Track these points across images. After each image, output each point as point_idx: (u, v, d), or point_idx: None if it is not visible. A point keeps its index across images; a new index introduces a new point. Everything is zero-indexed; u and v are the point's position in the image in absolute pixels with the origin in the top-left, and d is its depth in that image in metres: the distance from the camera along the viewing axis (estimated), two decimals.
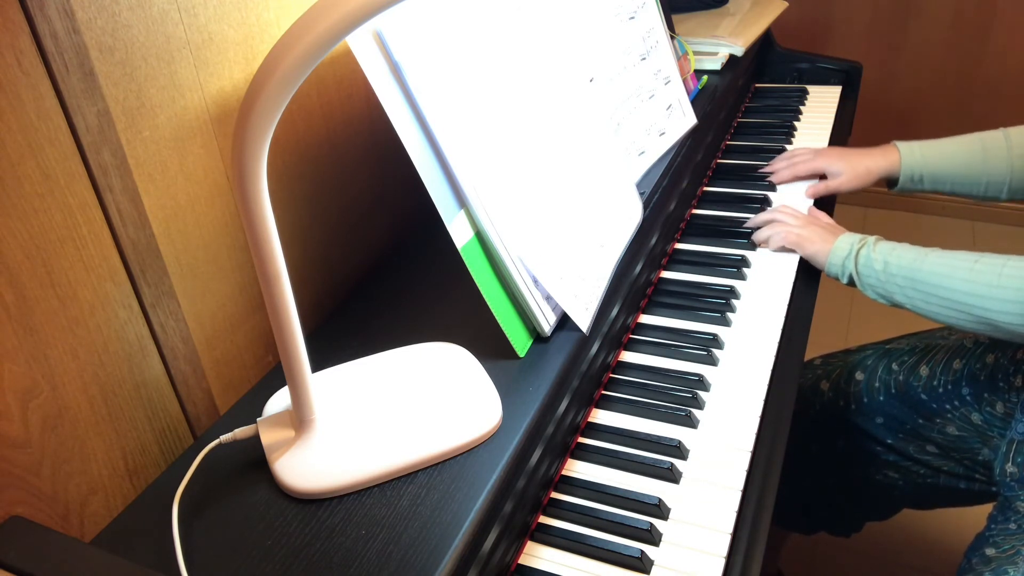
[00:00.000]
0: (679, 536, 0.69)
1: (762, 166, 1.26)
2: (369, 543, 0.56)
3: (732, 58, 1.36)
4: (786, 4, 1.60)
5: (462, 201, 0.68)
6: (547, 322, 0.74)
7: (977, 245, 2.38)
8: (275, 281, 0.54)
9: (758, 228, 1.08)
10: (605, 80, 0.97)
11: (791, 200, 1.17)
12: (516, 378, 0.70)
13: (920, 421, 1.05)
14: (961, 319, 0.86)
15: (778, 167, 1.23)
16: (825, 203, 1.19)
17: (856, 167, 1.16)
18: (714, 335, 0.91)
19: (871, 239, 0.95)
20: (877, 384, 1.08)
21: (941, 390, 1.03)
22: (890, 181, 1.16)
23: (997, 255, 0.85)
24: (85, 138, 0.54)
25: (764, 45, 1.58)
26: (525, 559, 0.68)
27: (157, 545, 0.57)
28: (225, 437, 0.62)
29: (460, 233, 0.68)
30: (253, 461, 0.63)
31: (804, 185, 1.21)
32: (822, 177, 1.20)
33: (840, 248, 0.97)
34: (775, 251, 1.06)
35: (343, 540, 0.56)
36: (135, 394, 0.62)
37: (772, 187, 1.21)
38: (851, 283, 0.96)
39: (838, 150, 1.20)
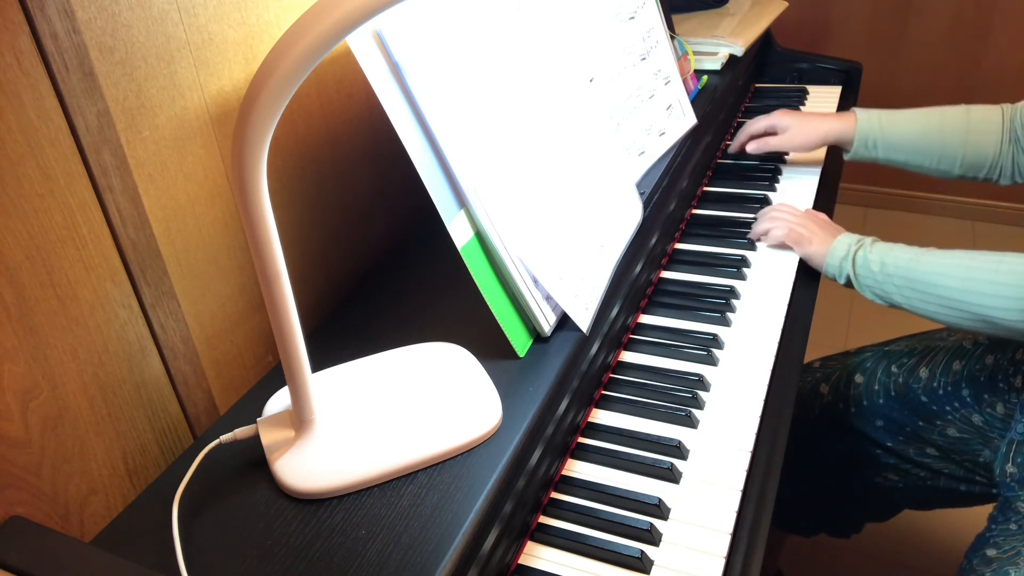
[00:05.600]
0: (679, 536, 0.69)
1: (762, 166, 1.27)
2: (369, 543, 0.56)
3: (732, 58, 1.36)
4: (786, 4, 1.60)
5: (462, 201, 0.68)
6: (547, 322, 0.74)
7: (977, 245, 2.38)
8: (275, 281, 0.54)
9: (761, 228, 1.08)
10: (605, 80, 0.97)
11: (793, 199, 1.17)
12: (516, 378, 0.70)
13: (920, 423, 1.05)
14: (959, 318, 0.86)
15: (740, 134, 1.27)
16: (825, 203, 1.19)
17: (804, 126, 1.17)
18: (714, 335, 0.91)
19: (868, 240, 0.95)
20: (876, 387, 1.08)
21: (941, 392, 1.03)
22: (845, 147, 1.16)
23: (992, 253, 0.85)
24: (85, 138, 0.54)
25: (764, 45, 1.58)
26: (525, 559, 0.68)
27: (157, 545, 0.57)
28: (225, 437, 0.62)
29: (460, 233, 0.68)
30: (253, 461, 0.63)
31: (804, 184, 1.21)
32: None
33: (838, 249, 0.97)
34: (773, 247, 1.06)
35: (343, 540, 0.56)
36: (135, 394, 0.62)
37: (772, 187, 1.21)
38: (848, 284, 0.96)
39: (792, 111, 1.21)
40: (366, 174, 0.86)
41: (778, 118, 1.20)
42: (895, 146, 1.11)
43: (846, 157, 1.17)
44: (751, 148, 1.23)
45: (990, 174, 1.07)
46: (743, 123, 1.43)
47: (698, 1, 1.55)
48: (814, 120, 1.17)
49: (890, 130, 1.11)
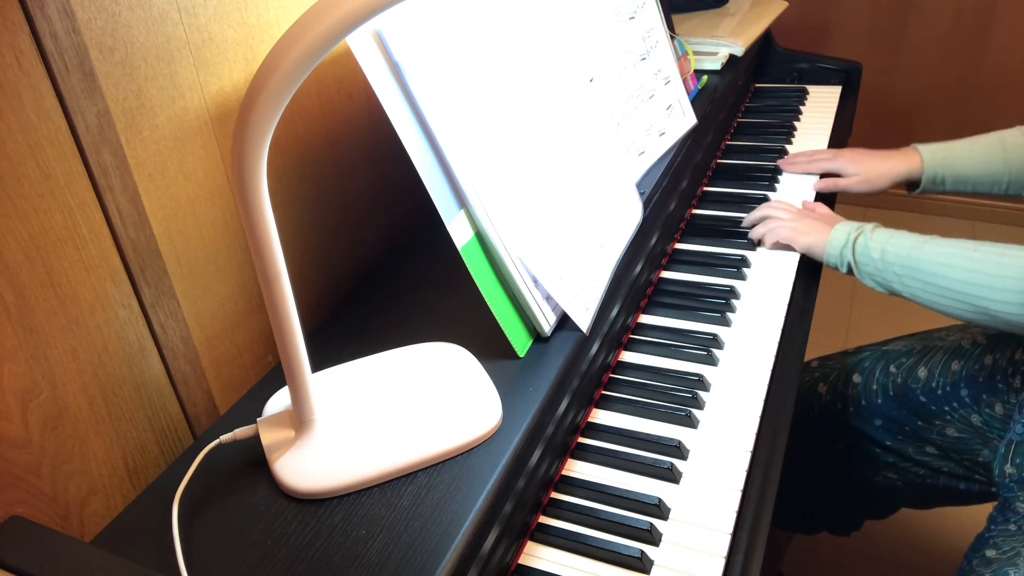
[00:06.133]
0: (679, 536, 0.69)
1: (762, 166, 1.26)
2: (369, 543, 0.56)
3: (732, 58, 1.36)
4: (786, 4, 1.60)
5: (462, 201, 0.68)
6: (547, 322, 0.74)
7: None
8: (275, 281, 0.54)
9: (753, 227, 1.08)
10: (605, 80, 0.97)
11: (792, 199, 1.17)
12: (516, 378, 0.70)
13: (919, 423, 1.05)
14: (958, 308, 0.86)
15: (797, 160, 1.24)
16: (825, 202, 1.19)
17: (871, 171, 1.16)
18: (714, 335, 0.91)
19: (868, 227, 0.95)
20: (875, 386, 1.08)
21: (940, 392, 1.03)
22: (910, 184, 1.16)
23: (995, 244, 0.84)
24: (85, 138, 0.54)
25: (764, 45, 1.58)
26: (525, 559, 0.68)
27: (157, 545, 0.57)
28: (225, 437, 0.62)
29: (460, 233, 0.68)
30: (253, 461, 0.63)
31: (804, 184, 1.21)
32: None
33: (837, 238, 0.97)
34: (772, 249, 1.06)
35: (343, 540, 0.56)
36: (135, 394, 0.62)
37: (772, 187, 1.21)
38: (850, 272, 0.96)
39: (856, 152, 1.19)
40: (366, 174, 0.86)
41: (842, 163, 1.18)
42: (963, 180, 1.11)
43: (911, 194, 1.17)
44: (818, 187, 1.21)
45: None
46: (743, 123, 1.44)
47: (698, 1, 1.55)
48: (879, 164, 1.15)
49: (956, 165, 1.11)
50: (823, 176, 1.22)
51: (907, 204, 2.53)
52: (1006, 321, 0.83)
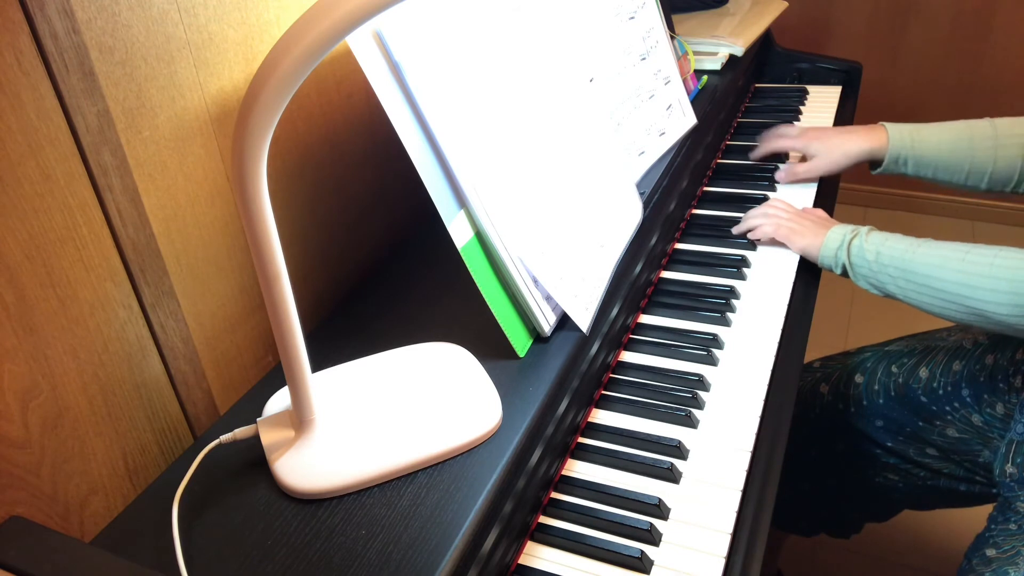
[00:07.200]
0: (679, 536, 0.69)
1: (762, 166, 1.26)
2: (369, 543, 0.56)
3: (732, 58, 1.36)
4: (786, 4, 1.60)
5: (462, 201, 0.68)
6: (547, 322, 0.74)
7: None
8: (275, 281, 0.54)
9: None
10: (605, 80, 0.97)
11: (792, 199, 1.17)
12: (516, 378, 0.70)
13: (920, 424, 1.05)
14: (952, 310, 0.86)
15: (765, 143, 1.26)
16: (825, 202, 1.19)
17: (833, 150, 1.16)
18: (714, 335, 0.91)
19: (863, 229, 0.95)
20: (876, 387, 1.08)
21: (941, 392, 1.03)
22: (873, 162, 1.15)
23: (989, 246, 0.85)
24: (85, 138, 0.54)
25: (764, 45, 1.58)
26: (525, 559, 0.68)
27: (157, 545, 0.57)
28: (225, 437, 0.62)
29: (460, 233, 0.68)
30: (253, 461, 0.63)
31: (805, 185, 1.21)
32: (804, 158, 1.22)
33: (832, 239, 0.97)
34: (767, 244, 1.06)
35: (343, 540, 0.56)
36: (135, 394, 0.62)
37: (772, 187, 1.21)
38: (844, 274, 0.96)
39: (821, 132, 1.19)
40: (366, 174, 0.86)
41: (806, 143, 1.18)
42: (925, 163, 1.10)
43: (873, 172, 1.16)
44: (781, 178, 1.22)
45: (1017, 187, 1.06)
46: (743, 123, 1.44)
47: (698, 1, 1.55)
48: (840, 140, 1.15)
49: (921, 147, 1.10)
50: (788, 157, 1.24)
51: (907, 204, 2.53)
52: (998, 323, 0.83)
